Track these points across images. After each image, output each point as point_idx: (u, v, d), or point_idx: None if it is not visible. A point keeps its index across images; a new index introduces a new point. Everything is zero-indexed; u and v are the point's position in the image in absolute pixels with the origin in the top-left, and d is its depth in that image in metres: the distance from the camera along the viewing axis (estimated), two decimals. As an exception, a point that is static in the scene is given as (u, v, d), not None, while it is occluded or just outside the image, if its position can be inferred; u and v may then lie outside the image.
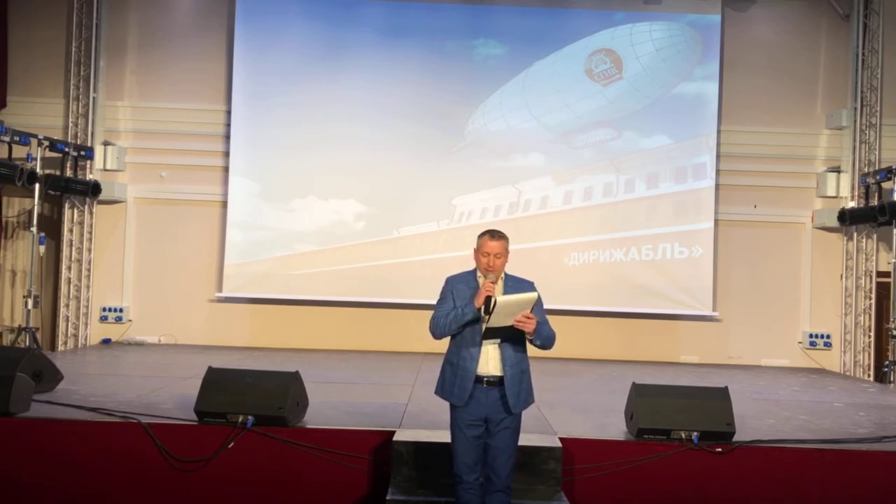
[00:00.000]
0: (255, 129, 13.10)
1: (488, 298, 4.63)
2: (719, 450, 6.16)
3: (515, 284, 4.86)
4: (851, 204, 12.70)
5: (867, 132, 12.89)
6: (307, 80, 13.08)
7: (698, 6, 13.13)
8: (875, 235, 12.84)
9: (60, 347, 12.73)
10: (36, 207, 11.77)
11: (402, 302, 12.57)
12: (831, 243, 13.21)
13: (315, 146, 13.05)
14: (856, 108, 12.97)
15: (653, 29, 13.11)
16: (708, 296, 12.94)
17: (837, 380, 11.56)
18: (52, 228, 13.00)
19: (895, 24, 13.01)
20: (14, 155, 11.34)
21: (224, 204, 13.09)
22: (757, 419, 7.48)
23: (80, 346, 12.80)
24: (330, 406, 7.33)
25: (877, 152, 12.81)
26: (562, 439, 6.11)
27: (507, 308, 4.59)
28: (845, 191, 12.98)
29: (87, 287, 12.98)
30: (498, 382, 4.76)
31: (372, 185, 13.05)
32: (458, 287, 4.83)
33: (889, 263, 12.13)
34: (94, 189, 12.52)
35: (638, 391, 6.43)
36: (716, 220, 13.06)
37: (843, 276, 13.09)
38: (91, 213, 13.04)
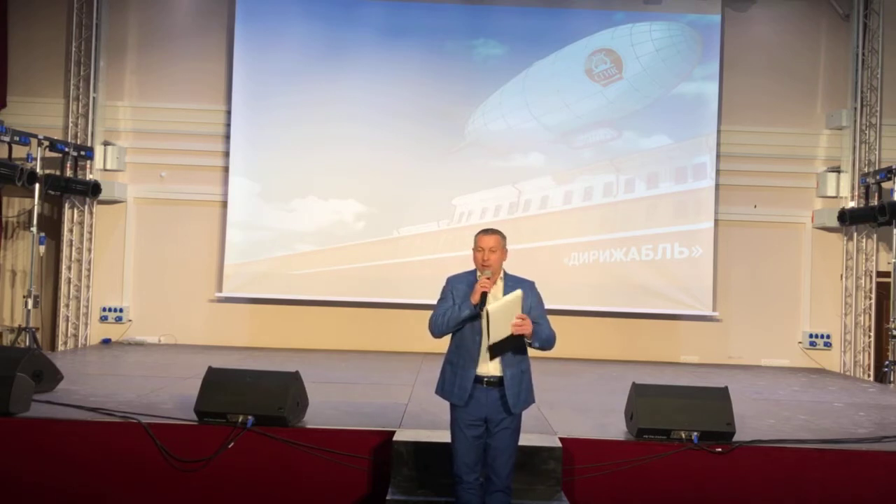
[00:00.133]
0: (255, 129, 13.10)
1: (484, 294, 4.64)
2: (719, 450, 6.16)
3: (515, 284, 4.86)
4: (851, 204, 12.70)
5: (867, 132, 12.89)
6: (307, 80, 13.08)
7: (698, 6, 13.13)
8: (875, 235, 12.84)
9: (60, 347, 12.73)
10: (36, 207, 11.77)
11: (402, 302, 12.57)
12: (831, 243, 13.21)
13: (315, 146, 13.05)
14: (856, 108, 12.97)
15: (653, 29, 13.11)
16: (708, 296, 12.94)
17: (837, 380, 11.56)
18: (52, 228, 13.00)
19: (895, 24, 13.01)
20: (14, 155, 11.34)
21: (224, 204, 13.09)
22: (757, 419, 7.47)
23: (80, 346, 12.80)
24: (330, 406, 7.33)
25: (877, 152, 12.81)
26: (562, 439, 6.11)
27: (501, 315, 4.57)
28: (845, 191, 12.98)
29: (87, 287, 12.99)
30: (498, 382, 4.75)
31: (372, 185, 13.05)
32: (458, 287, 4.84)
33: (889, 263, 12.13)
34: (94, 189, 12.52)
35: (638, 391, 6.43)
36: (716, 220, 13.06)
37: (843, 276, 13.09)
38: (91, 213, 13.04)
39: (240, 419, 6.18)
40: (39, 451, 6.19)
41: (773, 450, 6.23)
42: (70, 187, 12.25)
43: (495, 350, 4.69)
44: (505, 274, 4.89)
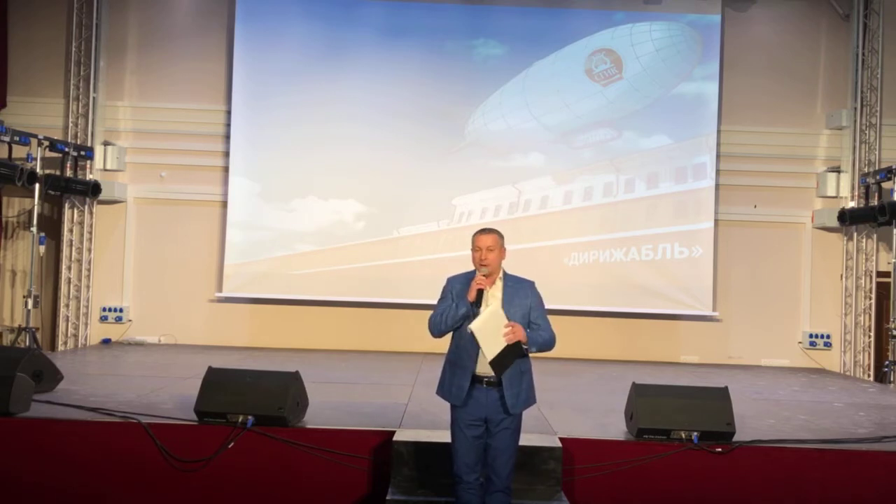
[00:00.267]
0: (255, 129, 13.10)
1: (480, 292, 4.65)
2: (719, 450, 6.16)
3: (515, 284, 4.87)
4: (851, 204, 12.70)
5: (867, 132, 12.89)
6: (307, 80, 13.08)
7: (698, 6, 13.13)
8: (875, 235, 12.84)
9: (60, 347, 12.73)
10: (36, 207, 11.77)
11: (402, 302, 12.57)
12: (831, 243, 13.21)
13: (315, 146, 13.05)
14: (856, 108, 12.97)
15: (653, 29, 13.11)
16: (708, 296, 12.94)
17: (837, 380, 11.56)
18: (52, 228, 13.00)
19: (895, 24, 13.01)
20: (14, 155, 11.34)
21: (224, 204, 13.09)
22: (757, 419, 7.47)
23: (80, 346, 12.79)
24: (330, 406, 7.33)
25: (877, 152, 12.81)
26: (562, 439, 6.11)
27: (487, 329, 4.55)
28: (845, 191, 12.98)
29: (87, 287, 12.99)
30: (497, 383, 4.75)
31: (372, 185, 13.05)
32: (457, 287, 4.85)
33: (889, 263, 12.13)
34: (94, 189, 12.52)
35: (638, 391, 6.42)
36: (716, 220, 13.06)
37: (843, 276, 13.08)
38: (91, 213, 13.04)
39: (240, 419, 6.18)
40: (39, 451, 6.18)
41: (773, 450, 6.23)
42: (70, 187, 12.25)
43: (497, 365, 4.65)
44: (504, 274, 4.89)
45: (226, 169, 13.10)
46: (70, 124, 12.92)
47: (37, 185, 11.56)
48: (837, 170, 13.15)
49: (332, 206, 13.11)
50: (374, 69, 13.07)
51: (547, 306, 4.94)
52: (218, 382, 6.38)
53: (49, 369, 7.56)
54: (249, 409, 6.20)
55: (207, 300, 13.11)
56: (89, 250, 13.00)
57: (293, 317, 13.06)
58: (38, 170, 11.56)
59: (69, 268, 12.88)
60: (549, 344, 4.81)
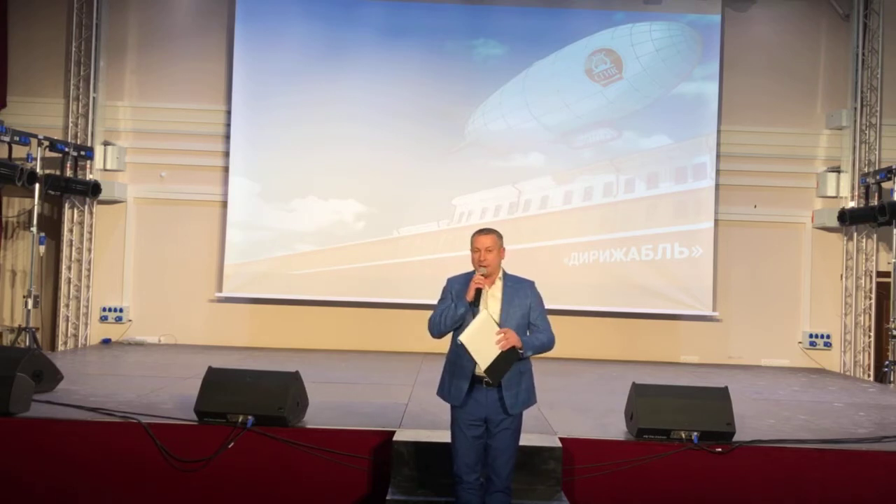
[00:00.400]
0: (255, 129, 13.10)
1: (478, 291, 4.66)
2: (719, 450, 6.16)
3: (515, 284, 4.87)
4: (851, 204, 12.70)
5: (867, 132, 12.89)
6: (307, 80, 13.08)
7: (698, 6, 13.13)
8: (875, 235, 12.83)
9: (60, 347, 12.73)
10: (36, 207, 11.77)
11: (402, 302, 12.57)
12: (831, 243, 13.21)
13: (315, 146, 13.05)
14: (856, 108, 12.97)
15: (653, 29, 13.11)
16: (708, 296, 12.93)
17: (837, 380, 11.56)
18: (52, 228, 13.00)
19: (895, 24, 13.01)
20: (14, 155, 11.34)
21: (224, 204, 13.09)
22: (757, 419, 7.47)
23: (80, 346, 12.79)
24: (330, 406, 7.33)
25: (877, 152, 12.81)
26: (562, 439, 6.11)
27: (478, 338, 4.55)
28: (845, 191, 12.98)
29: (87, 287, 12.99)
30: (497, 383, 4.75)
31: (372, 185, 13.05)
32: (457, 287, 4.85)
33: (889, 263, 12.13)
34: (94, 189, 12.52)
35: (638, 391, 6.42)
36: (716, 220, 13.06)
37: (843, 276, 13.08)
38: (91, 213, 13.04)
39: (240, 419, 6.18)
40: (39, 451, 6.18)
41: (773, 450, 6.23)
42: (70, 187, 12.25)
43: (493, 373, 4.63)
44: (504, 274, 4.90)
45: (226, 169, 13.10)
46: (70, 124, 12.93)
47: (37, 185, 11.56)
48: (837, 170, 13.15)
49: (332, 206, 13.11)
50: (374, 69, 13.07)
51: (547, 306, 4.94)
52: (218, 382, 6.38)
53: (49, 369, 7.56)
54: (249, 409, 6.20)
55: (207, 300, 13.11)
56: (89, 250, 13.00)
57: (293, 317, 13.06)
58: (38, 170, 11.56)
59: (69, 268, 12.88)
60: (546, 346, 4.81)
